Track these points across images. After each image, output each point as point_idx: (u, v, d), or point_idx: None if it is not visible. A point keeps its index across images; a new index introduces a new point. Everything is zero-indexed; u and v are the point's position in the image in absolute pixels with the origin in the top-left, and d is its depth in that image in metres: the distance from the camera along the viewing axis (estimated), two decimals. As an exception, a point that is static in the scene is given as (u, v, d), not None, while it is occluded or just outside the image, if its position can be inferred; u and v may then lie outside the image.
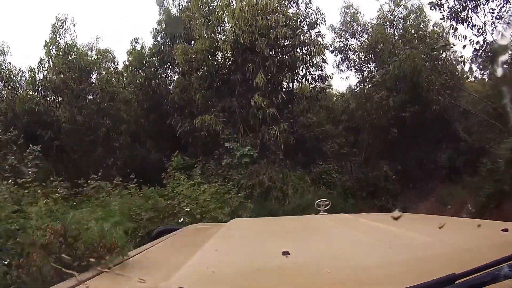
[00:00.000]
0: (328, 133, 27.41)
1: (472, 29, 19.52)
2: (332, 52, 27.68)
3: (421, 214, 4.19)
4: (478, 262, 1.22)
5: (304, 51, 21.96)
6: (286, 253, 1.72)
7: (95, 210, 11.22)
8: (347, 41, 28.22)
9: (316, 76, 24.54)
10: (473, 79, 30.55)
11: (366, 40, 26.90)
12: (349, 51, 28.33)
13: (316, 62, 23.16)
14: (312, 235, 2.68)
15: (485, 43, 19.40)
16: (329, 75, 25.39)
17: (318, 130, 27.27)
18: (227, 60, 21.85)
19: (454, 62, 27.07)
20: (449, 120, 28.12)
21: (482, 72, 28.46)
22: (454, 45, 21.56)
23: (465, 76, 29.09)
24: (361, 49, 27.29)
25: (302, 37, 21.84)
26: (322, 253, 1.91)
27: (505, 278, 1.13)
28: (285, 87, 23.12)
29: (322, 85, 24.54)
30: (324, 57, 23.56)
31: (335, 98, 29.89)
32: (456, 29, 20.18)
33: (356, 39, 28.18)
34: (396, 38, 26.61)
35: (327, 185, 23.35)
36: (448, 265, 1.37)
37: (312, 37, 22.46)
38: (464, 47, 20.92)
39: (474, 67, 28.78)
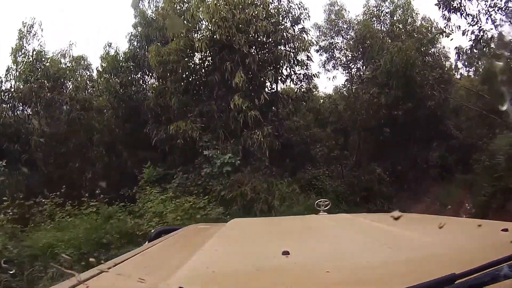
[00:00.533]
0: (317, 136, 25.70)
1: (466, 18, 18.73)
2: (317, 51, 26.25)
3: (421, 214, 4.12)
4: (478, 262, 1.16)
5: (288, 48, 20.40)
6: (286, 253, 1.59)
7: (46, 234, 10.28)
8: (332, 40, 27.06)
9: (302, 75, 22.56)
10: (465, 73, 30.04)
11: (352, 36, 26.00)
12: (335, 50, 27.19)
13: (301, 60, 21.31)
14: (312, 235, 2.51)
15: (481, 33, 18.77)
16: (316, 74, 23.28)
17: (306, 133, 25.36)
18: (204, 60, 20.44)
19: (443, 58, 26.41)
20: (441, 117, 26.91)
21: (476, 64, 27.99)
22: (450, 34, 21.00)
23: (453, 72, 28.32)
24: (347, 47, 26.40)
25: (285, 32, 20.44)
26: (322, 253, 1.79)
27: (505, 278, 1.08)
28: (268, 87, 21.35)
29: (308, 85, 22.81)
30: (309, 53, 21.75)
31: (321, 100, 28.66)
32: (449, 19, 19.47)
33: (342, 37, 26.93)
34: (384, 34, 25.36)
35: (317, 191, 21.17)
36: (448, 265, 1.30)
37: (296, 33, 20.97)
38: (451, 39, 20.73)
39: (461, 63, 28.42)
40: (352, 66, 26.02)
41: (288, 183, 18.42)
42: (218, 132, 17.73)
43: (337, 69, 26.38)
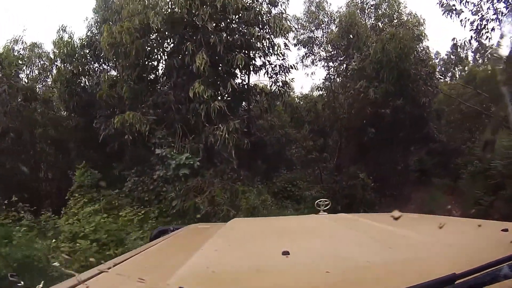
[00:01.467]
0: (292, 136, 22.41)
1: (466, 5, 16.03)
2: (295, 45, 23.06)
3: (421, 214, 3.73)
4: (478, 262, 1.16)
5: (263, 32, 16.99)
6: (286, 253, 1.60)
7: None
8: (312, 33, 23.69)
9: (278, 67, 18.96)
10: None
11: (334, 30, 22.68)
12: (315, 45, 23.91)
13: (277, 45, 17.86)
14: (312, 235, 2.45)
15: (483, 22, 16.11)
16: (293, 65, 19.71)
17: (281, 131, 21.92)
18: (161, 42, 16.50)
19: (432, 55, 23.19)
20: (426, 118, 23.79)
21: (453, 69, 26.29)
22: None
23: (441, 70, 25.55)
24: (329, 40, 23.04)
25: (260, 11, 16.84)
26: (322, 253, 1.79)
27: (505, 278, 1.08)
28: (238, 76, 17.99)
29: (284, 79, 19.05)
30: (287, 41, 18.38)
31: (297, 100, 25.07)
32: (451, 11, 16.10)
33: (322, 30, 23.69)
34: (369, 29, 21.59)
35: (293, 198, 17.88)
36: (448, 265, 1.30)
37: (273, 14, 17.09)
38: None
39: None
40: (334, 59, 23.49)
41: (259, 190, 15.82)
42: (176, 126, 14.87)
43: (316, 65, 23.67)
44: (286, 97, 18.27)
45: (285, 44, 17.38)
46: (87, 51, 17.64)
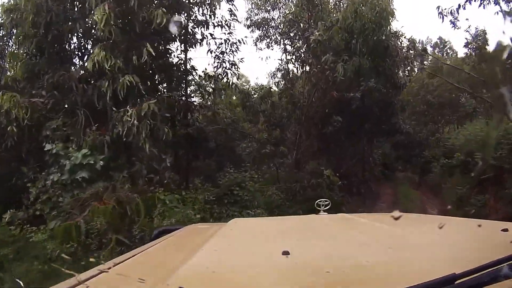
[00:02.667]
0: (248, 130, 19.05)
1: None
2: (248, 27, 19.15)
3: (421, 214, 3.58)
4: (478, 262, 1.11)
5: None
6: (286, 253, 1.55)
7: None
8: (267, 14, 19.30)
9: (223, 41, 15.15)
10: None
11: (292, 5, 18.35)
12: (270, 28, 19.42)
13: (221, 17, 14.34)
14: (312, 235, 2.37)
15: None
16: (242, 39, 15.68)
17: (226, 119, 18.01)
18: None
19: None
20: (396, 106, 19.76)
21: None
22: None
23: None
24: (285, 16, 18.57)
25: None
26: (322, 253, 1.72)
27: (505, 278, 1.04)
28: (174, 56, 14.48)
29: (232, 58, 15.33)
30: (233, 6, 14.76)
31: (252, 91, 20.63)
32: None
33: (279, 11, 19.23)
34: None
35: (241, 203, 13.58)
36: (448, 265, 1.27)
37: None
38: None
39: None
40: (293, 36, 18.98)
41: (191, 200, 12.23)
42: (77, 113, 10.78)
43: (272, 48, 19.93)
44: (235, 80, 15.84)
45: (231, 12, 14.80)
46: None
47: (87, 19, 11.38)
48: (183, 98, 15.00)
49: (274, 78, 21.15)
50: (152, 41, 11.05)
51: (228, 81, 15.45)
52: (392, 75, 15.01)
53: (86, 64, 10.48)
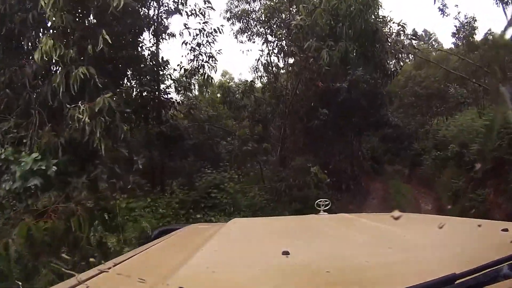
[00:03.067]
0: (231, 127, 18.03)
1: None
2: (228, 19, 17.87)
3: (421, 214, 4.42)
4: (478, 262, 1.11)
5: None
6: (286, 253, 1.53)
7: None
8: (248, 5, 18.00)
9: (198, 31, 13.84)
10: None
11: None
12: (251, 21, 18.08)
13: (195, 5, 13.25)
14: (312, 235, 2.38)
15: None
16: (219, 28, 14.16)
17: (203, 115, 16.46)
18: None
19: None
20: (382, 100, 18.62)
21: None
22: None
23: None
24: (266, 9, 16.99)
25: None
26: (322, 253, 1.72)
27: (505, 278, 1.04)
28: (145, 48, 13.17)
29: (209, 50, 14.09)
30: None
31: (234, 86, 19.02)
32: None
33: (260, 1, 17.95)
34: None
35: (220, 207, 12.28)
36: (448, 265, 1.26)
37: None
38: None
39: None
40: (273, 22, 17.29)
41: (162, 206, 11.26)
42: (31, 113, 9.31)
43: (254, 41, 18.53)
44: (213, 74, 14.57)
45: None
46: None
47: (39, 8, 9.94)
48: (156, 94, 13.64)
49: (257, 72, 19.79)
50: (111, 29, 9.59)
51: (204, 73, 14.20)
52: (381, 62, 13.74)
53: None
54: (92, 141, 8.80)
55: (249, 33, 18.69)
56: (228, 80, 24.17)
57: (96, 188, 9.34)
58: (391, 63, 14.78)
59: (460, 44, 20.44)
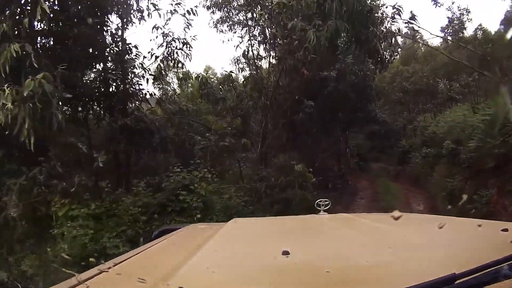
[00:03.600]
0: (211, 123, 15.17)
1: None
2: (208, 8, 16.03)
3: (421, 214, 4.40)
4: (478, 262, 1.09)
5: None
6: (286, 253, 1.51)
7: None
8: None
9: (169, 14, 12.36)
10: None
11: None
12: (232, 9, 16.36)
13: None
14: (312, 235, 2.37)
15: None
16: (192, 9, 12.44)
17: (172, 106, 14.44)
18: None
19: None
20: (370, 94, 17.44)
21: None
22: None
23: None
24: None
25: None
26: (322, 253, 1.69)
27: (505, 278, 1.01)
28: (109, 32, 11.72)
29: (184, 36, 12.57)
30: None
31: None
32: None
33: None
34: None
35: (189, 211, 10.22)
36: (448, 265, 1.21)
37: None
38: None
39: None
40: (254, 5, 15.21)
41: (117, 212, 9.39)
42: None
43: (235, 31, 16.54)
44: (186, 61, 12.91)
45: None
46: None
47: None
48: (122, 82, 11.83)
49: (238, 64, 18.06)
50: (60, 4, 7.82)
51: (175, 59, 12.45)
52: (375, 48, 12.04)
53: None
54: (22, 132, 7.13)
55: (230, 22, 17.47)
56: (211, 76, 22.84)
57: (31, 192, 7.63)
58: (386, 49, 13.18)
59: (449, 39, 20.08)
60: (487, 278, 1.00)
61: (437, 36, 20.31)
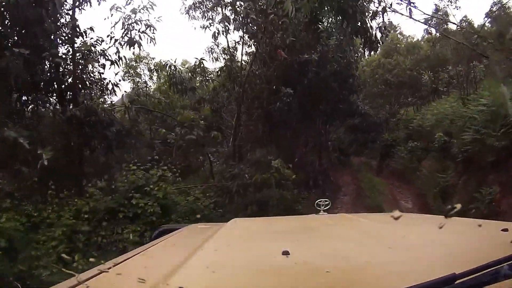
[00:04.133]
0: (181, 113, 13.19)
1: None
2: None
3: (421, 214, 3.95)
4: (478, 262, 1.06)
5: None
6: (286, 253, 1.48)
7: None
8: None
9: None
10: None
11: None
12: None
13: None
14: (312, 235, 2.28)
15: None
16: None
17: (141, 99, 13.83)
18: None
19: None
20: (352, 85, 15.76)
21: None
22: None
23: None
24: None
25: None
26: (322, 253, 1.66)
27: (505, 278, 0.99)
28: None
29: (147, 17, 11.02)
30: None
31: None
32: None
33: None
34: None
35: (144, 218, 8.35)
36: (448, 265, 1.19)
37: None
38: None
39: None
40: None
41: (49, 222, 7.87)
42: None
43: (210, 18, 14.09)
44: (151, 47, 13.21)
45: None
46: None
47: None
48: (70, 68, 9.96)
49: (212, 53, 16.31)
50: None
51: (135, 41, 10.60)
52: (363, 27, 10.29)
53: None
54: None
55: (204, 9, 16.21)
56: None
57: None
58: (376, 27, 11.55)
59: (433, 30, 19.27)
60: (487, 278, 0.99)
61: (424, 21, 19.65)
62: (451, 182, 12.76)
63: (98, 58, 11.70)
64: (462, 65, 18.07)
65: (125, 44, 12.53)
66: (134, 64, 15.02)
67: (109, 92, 13.45)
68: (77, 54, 11.79)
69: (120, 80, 14.38)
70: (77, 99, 10.49)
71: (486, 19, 21.75)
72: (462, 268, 1.02)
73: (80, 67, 11.11)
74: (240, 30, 14.07)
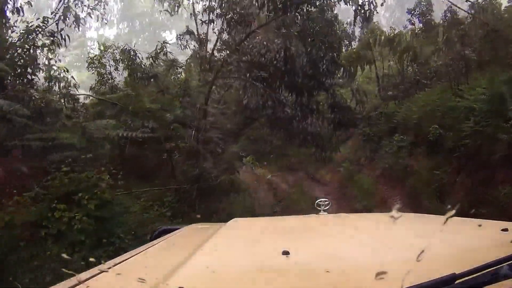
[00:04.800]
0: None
1: None
2: None
3: (421, 214, 2.86)
4: (478, 262, 1.08)
5: None
6: (286, 253, 1.49)
7: None
8: None
9: None
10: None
11: None
12: None
13: None
14: (312, 235, 2.27)
15: None
16: None
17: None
18: None
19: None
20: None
21: None
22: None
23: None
24: None
25: None
26: (322, 253, 1.66)
27: (505, 278, 1.00)
28: None
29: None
30: None
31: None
32: None
33: None
34: None
35: (72, 236, 5.83)
36: (448, 265, 1.19)
37: None
38: None
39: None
40: None
41: None
42: None
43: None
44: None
45: None
46: None
47: None
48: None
49: (183, 39, 14.26)
50: None
51: (80, 18, 8.51)
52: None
53: None
54: None
55: None
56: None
57: None
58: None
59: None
60: (487, 278, 1.00)
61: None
62: (448, 180, 11.45)
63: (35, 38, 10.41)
64: (450, 55, 17.27)
65: (77, 21, 10.85)
66: (98, 54, 13.58)
67: (57, 80, 11.66)
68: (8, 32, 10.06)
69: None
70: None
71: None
72: (462, 268, 1.04)
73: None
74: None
